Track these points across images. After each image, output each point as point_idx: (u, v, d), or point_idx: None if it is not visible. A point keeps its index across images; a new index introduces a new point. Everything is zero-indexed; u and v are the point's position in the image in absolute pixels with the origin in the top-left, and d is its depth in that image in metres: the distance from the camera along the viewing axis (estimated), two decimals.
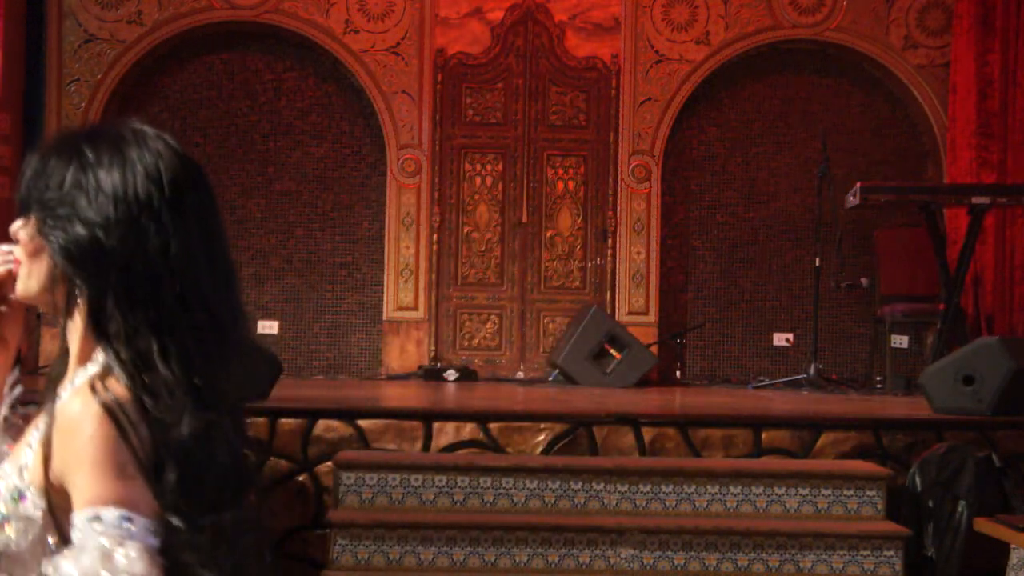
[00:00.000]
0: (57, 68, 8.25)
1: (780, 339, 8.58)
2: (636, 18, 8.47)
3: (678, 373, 8.34)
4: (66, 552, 1.40)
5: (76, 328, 1.55)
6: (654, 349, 7.96)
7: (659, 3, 8.48)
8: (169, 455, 1.45)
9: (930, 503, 5.21)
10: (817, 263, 7.74)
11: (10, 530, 1.48)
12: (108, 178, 1.51)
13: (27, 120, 8.17)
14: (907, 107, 8.65)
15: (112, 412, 1.44)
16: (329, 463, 5.24)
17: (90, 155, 1.53)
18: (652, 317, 8.40)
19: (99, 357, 1.51)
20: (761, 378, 8.21)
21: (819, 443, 5.53)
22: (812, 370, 7.63)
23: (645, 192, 8.46)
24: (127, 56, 8.31)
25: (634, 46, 8.46)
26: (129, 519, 1.40)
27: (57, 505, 1.47)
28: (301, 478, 5.31)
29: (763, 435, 5.52)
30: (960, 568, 5.10)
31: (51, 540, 1.48)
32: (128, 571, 1.36)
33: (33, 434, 1.54)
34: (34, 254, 1.56)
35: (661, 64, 8.47)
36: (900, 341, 8.21)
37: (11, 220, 1.66)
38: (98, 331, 1.50)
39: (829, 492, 5.17)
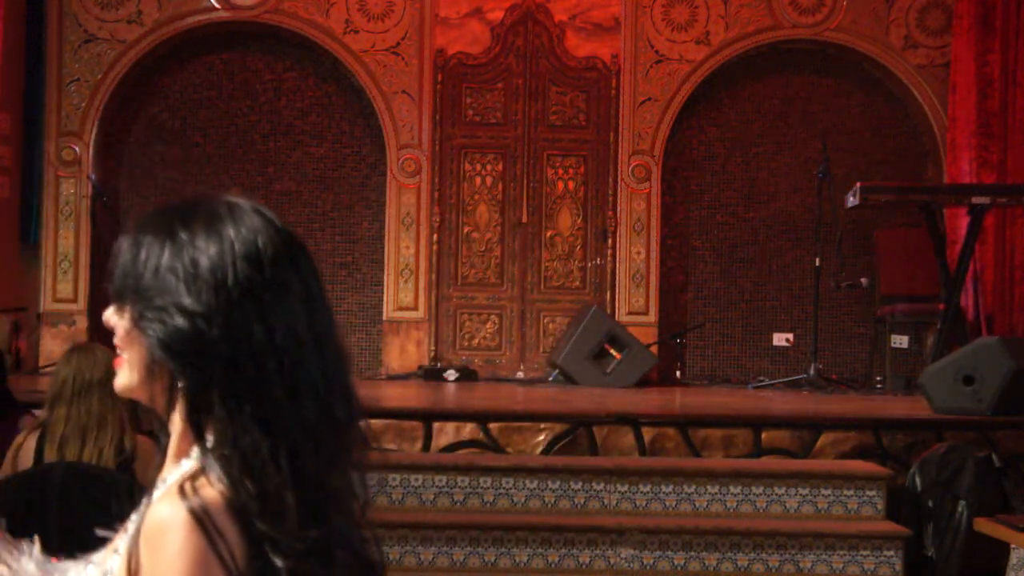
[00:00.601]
0: (57, 68, 8.25)
1: (780, 339, 8.58)
2: (636, 18, 8.47)
3: (678, 373, 8.33)
4: None
5: (175, 424, 1.44)
6: (654, 349, 7.96)
7: (659, 3, 8.47)
8: (276, 570, 1.34)
9: (930, 503, 5.21)
10: (817, 263, 7.74)
11: None
12: (205, 260, 1.40)
13: (27, 120, 8.17)
14: (907, 107, 8.65)
15: (200, 520, 1.32)
16: None
17: (184, 235, 1.42)
18: (652, 317, 8.39)
19: (195, 453, 1.40)
20: (761, 378, 8.21)
21: (819, 443, 5.53)
22: (812, 370, 7.63)
23: (645, 192, 8.45)
24: (127, 56, 8.30)
25: (634, 46, 8.46)
26: None
27: None
28: None
29: (763, 435, 5.52)
30: (960, 568, 5.10)
31: None
32: None
33: (122, 537, 1.45)
34: (131, 346, 1.44)
35: (661, 64, 8.47)
36: (900, 341, 8.20)
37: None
38: (197, 428, 1.39)
39: (829, 492, 5.17)
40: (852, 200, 7.29)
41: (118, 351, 1.48)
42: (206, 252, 1.40)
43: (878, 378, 8.16)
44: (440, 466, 5.13)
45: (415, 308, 8.35)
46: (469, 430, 5.44)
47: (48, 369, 7.54)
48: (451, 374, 7.94)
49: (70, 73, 8.26)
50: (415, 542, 4.89)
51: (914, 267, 8.10)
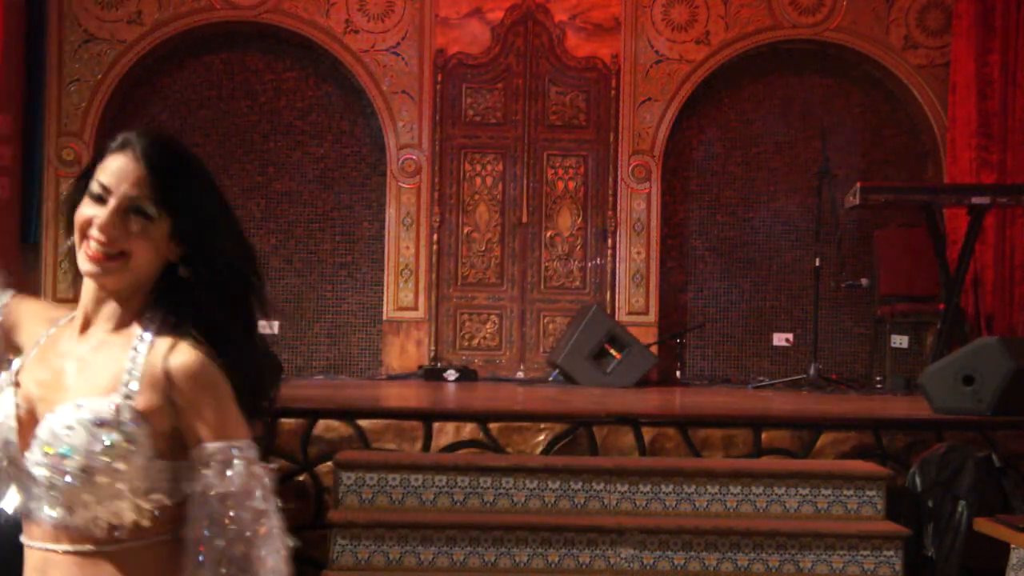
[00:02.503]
0: (57, 68, 8.25)
1: (780, 339, 8.58)
2: (636, 18, 8.47)
3: (678, 373, 8.33)
4: (215, 470, 1.84)
5: (132, 296, 1.92)
6: (654, 349, 7.96)
7: (659, 3, 8.48)
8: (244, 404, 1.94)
9: (930, 503, 5.21)
10: (817, 263, 7.74)
11: (110, 454, 1.81)
12: (233, 223, 1.96)
13: (27, 120, 8.17)
14: (907, 107, 8.65)
15: (223, 370, 1.88)
16: (329, 463, 5.24)
17: (215, 185, 1.95)
18: (652, 317, 8.39)
19: (151, 323, 1.90)
20: (761, 378, 8.21)
21: (819, 443, 5.53)
22: (812, 370, 7.63)
23: (645, 192, 8.46)
24: (127, 56, 8.31)
25: (634, 46, 8.46)
26: (252, 446, 1.88)
27: (172, 430, 1.86)
28: (301, 478, 5.31)
29: (763, 435, 5.52)
30: (960, 568, 5.10)
31: (145, 458, 1.84)
32: (264, 477, 1.88)
33: (124, 376, 1.86)
34: (144, 242, 1.88)
35: (661, 64, 8.47)
36: (900, 341, 8.20)
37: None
38: (189, 313, 1.91)
39: (829, 492, 5.17)
40: (852, 200, 7.28)
41: (116, 251, 1.87)
42: (226, 209, 1.96)
43: (878, 378, 8.16)
44: (440, 466, 5.13)
45: (415, 308, 8.35)
46: (469, 430, 5.44)
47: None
48: (451, 374, 7.94)
49: (70, 73, 8.26)
50: (415, 542, 4.89)
51: (914, 267, 8.10)
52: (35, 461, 1.83)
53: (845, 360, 8.56)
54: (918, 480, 5.26)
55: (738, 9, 8.51)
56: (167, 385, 1.86)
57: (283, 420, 5.37)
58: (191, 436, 1.86)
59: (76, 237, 1.90)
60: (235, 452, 1.86)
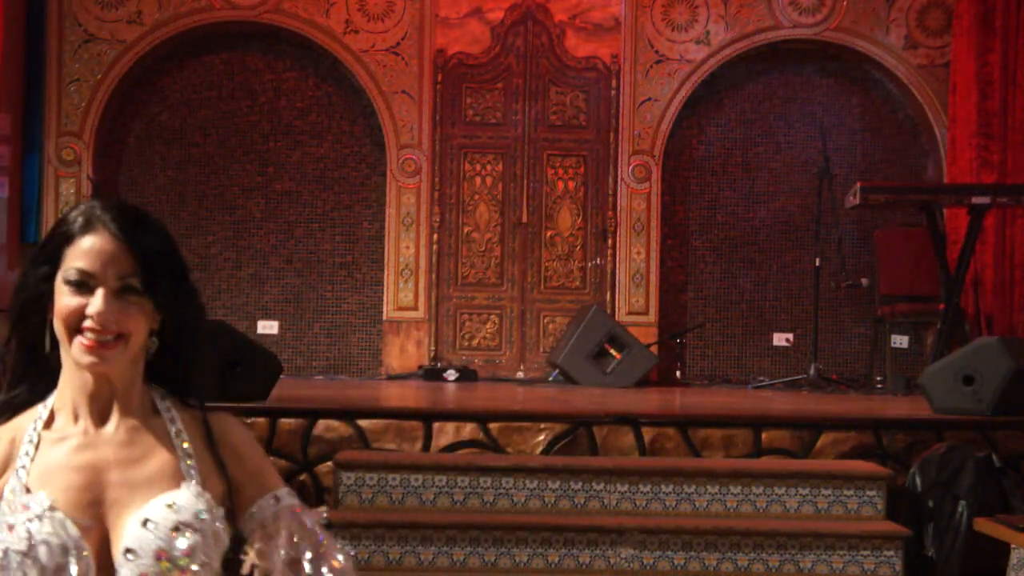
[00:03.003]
0: (57, 68, 8.25)
1: (780, 339, 8.58)
2: (636, 18, 8.47)
3: (678, 373, 8.33)
4: (283, 521, 1.88)
5: (129, 379, 1.86)
6: (654, 349, 7.96)
7: (659, 3, 8.48)
8: None
9: (930, 503, 5.21)
10: (817, 263, 7.74)
11: (217, 542, 1.82)
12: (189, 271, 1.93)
13: (27, 120, 8.17)
14: (907, 107, 8.65)
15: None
16: (329, 463, 5.24)
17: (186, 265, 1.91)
18: (652, 317, 8.39)
19: (164, 398, 1.91)
20: (761, 378, 8.21)
21: (819, 443, 5.53)
22: (812, 370, 7.63)
23: (645, 192, 8.46)
24: (127, 56, 8.31)
25: (634, 46, 8.46)
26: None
27: (223, 496, 1.89)
28: (301, 478, 5.31)
29: (763, 435, 5.52)
30: (960, 568, 5.10)
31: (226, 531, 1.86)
32: (316, 517, 1.93)
33: (182, 464, 1.86)
34: (139, 320, 1.83)
35: (661, 64, 8.47)
36: (900, 341, 8.21)
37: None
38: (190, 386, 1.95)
39: (829, 492, 5.16)
40: (852, 200, 7.28)
41: (112, 335, 1.79)
42: (173, 238, 1.91)
43: (878, 378, 8.16)
44: (440, 466, 5.13)
45: (415, 308, 8.35)
46: (469, 430, 5.44)
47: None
48: (451, 374, 7.94)
49: (70, 73, 8.26)
50: (415, 542, 4.89)
51: (914, 267, 8.10)
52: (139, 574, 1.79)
53: (845, 360, 8.56)
54: (918, 480, 5.26)
55: (738, 9, 8.51)
56: (215, 456, 1.90)
57: (283, 420, 5.37)
58: (245, 494, 1.91)
59: (61, 331, 1.79)
60: (294, 500, 1.93)
